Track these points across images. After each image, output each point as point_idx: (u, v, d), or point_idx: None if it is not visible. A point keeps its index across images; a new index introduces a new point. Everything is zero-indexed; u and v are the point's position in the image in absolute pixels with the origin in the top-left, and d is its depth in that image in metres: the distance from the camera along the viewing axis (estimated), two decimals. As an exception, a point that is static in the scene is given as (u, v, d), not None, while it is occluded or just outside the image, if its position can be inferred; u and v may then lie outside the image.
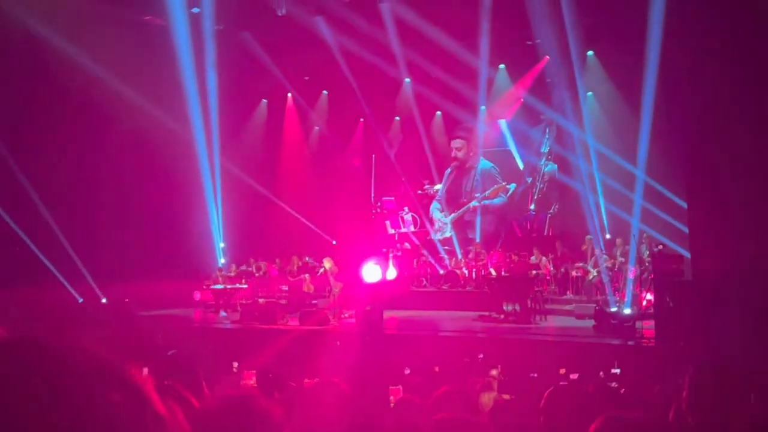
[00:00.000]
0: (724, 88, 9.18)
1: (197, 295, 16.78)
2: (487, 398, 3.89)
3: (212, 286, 15.71)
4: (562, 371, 8.00)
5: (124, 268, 14.76)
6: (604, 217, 16.20)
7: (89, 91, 14.29)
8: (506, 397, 4.01)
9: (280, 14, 14.76)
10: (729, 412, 2.74)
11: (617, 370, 8.09)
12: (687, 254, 10.88)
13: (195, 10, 15.09)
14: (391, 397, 4.92)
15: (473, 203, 19.24)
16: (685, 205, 11.48)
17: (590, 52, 16.84)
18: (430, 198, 20.03)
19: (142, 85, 14.68)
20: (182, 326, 13.16)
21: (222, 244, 18.29)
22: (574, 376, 7.63)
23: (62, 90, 14.28)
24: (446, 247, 18.62)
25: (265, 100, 20.16)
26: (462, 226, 19.56)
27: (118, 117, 15.02)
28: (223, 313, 14.95)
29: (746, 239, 8.68)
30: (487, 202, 19.10)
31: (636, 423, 1.96)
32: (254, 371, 5.84)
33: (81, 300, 14.33)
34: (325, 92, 20.22)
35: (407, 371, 8.30)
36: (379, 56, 16.91)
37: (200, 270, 16.90)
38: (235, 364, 7.36)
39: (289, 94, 20.11)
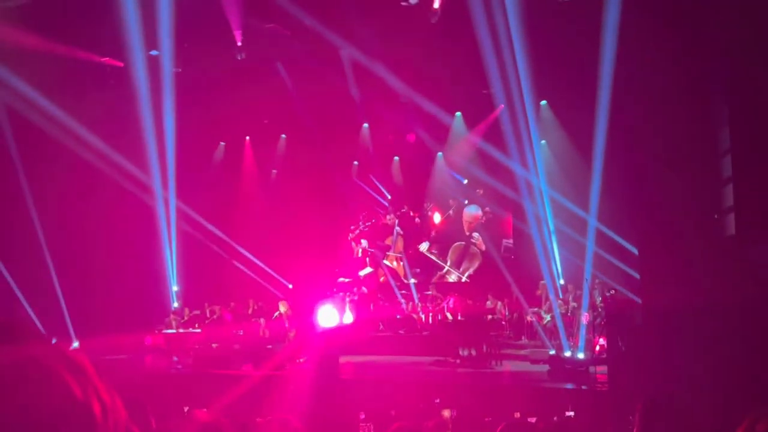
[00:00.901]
0: (673, 138, 9.53)
1: (149, 340, 16.39)
2: (441, 437, 3.88)
3: (164, 331, 15.36)
4: (517, 415, 8.02)
5: (74, 312, 14.39)
6: (558, 262, 16.43)
7: (43, 133, 14.08)
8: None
9: (239, 59, 14.85)
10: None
11: (571, 413, 8.14)
12: (638, 299, 11.10)
13: (153, 52, 15.08)
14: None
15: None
16: (635, 251, 11.76)
17: (543, 102, 17.31)
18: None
19: (98, 126, 14.56)
20: (131, 371, 12.81)
21: (176, 288, 17.97)
22: (532, 420, 7.65)
23: (14, 131, 14.08)
24: (403, 292, 18.64)
25: (222, 143, 20.11)
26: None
27: (73, 158, 14.80)
28: (175, 358, 14.59)
29: (694, 285, 8.92)
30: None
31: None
32: (205, 410, 5.71)
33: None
34: (283, 136, 20.28)
35: (362, 416, 8.22)
36: (338, 101, 17.10)
37: (153, 314, 16.53)
38: (186, 409, 7.18)
39: (247, 138, 20.13)
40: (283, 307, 14.01)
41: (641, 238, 10.64)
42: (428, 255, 19.65)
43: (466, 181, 19.30)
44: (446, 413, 7.29)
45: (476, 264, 19.20)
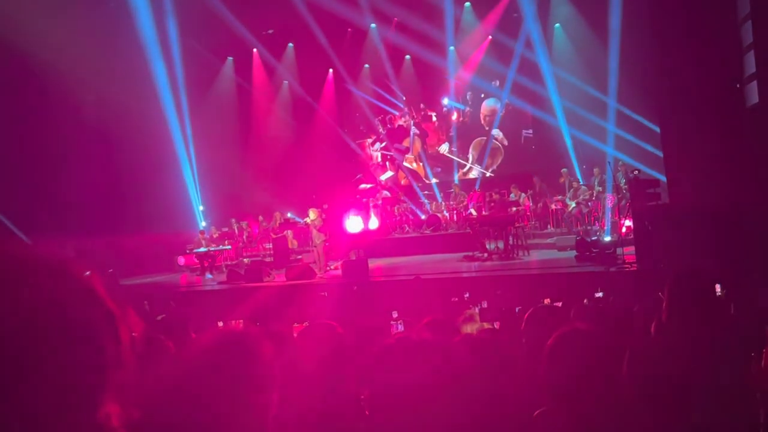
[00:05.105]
0: (691, 6, 9.16)
1: (181, 260, 16.75)
2: (471, 328, 3.94)
3: (195, 250, 15.61)
4: (547, 301, 8.10)
5: (103, 238, 14.65)
6: (580, 148, 16.25)
7: (54, 64, 13.91)
8: (487, 325, 4.06)
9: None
10: (707, 316, 2.79)
11: (600, 294, 8.21)
12: (663, 178, 10.98)
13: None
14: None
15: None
16: (657, 129, 11.52)
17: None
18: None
19: (104, 52, 14.39)
20: (168, 291, 13.11)
21: (201, 207, 18.20)
22: (558, 305, 7.73)
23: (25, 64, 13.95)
24: (426, 192, 18.66)
25: (230, 58, 19.80)
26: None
27: (83, 85, 14.69)
28: (209, 276, 14.92)
29: (718, 160, 8.77)
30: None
31: (588, 335, 1.99)
32: (240, 321, 5.86)
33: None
34: (290, 45, 19.88)
35: (395, 314, 8.37)
36: (342, 3, 16.62)
37: (181, 235, 16.78)
38: (220, 323, 7.36)
39: (255, 50, 19.76)
40: (312, 214, 13.91)
41: (663, 114, 10.39)
42: (449, 156, 19.52)
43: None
44: (477, 309, 7.38)
45: (498, 159, 19.05)
